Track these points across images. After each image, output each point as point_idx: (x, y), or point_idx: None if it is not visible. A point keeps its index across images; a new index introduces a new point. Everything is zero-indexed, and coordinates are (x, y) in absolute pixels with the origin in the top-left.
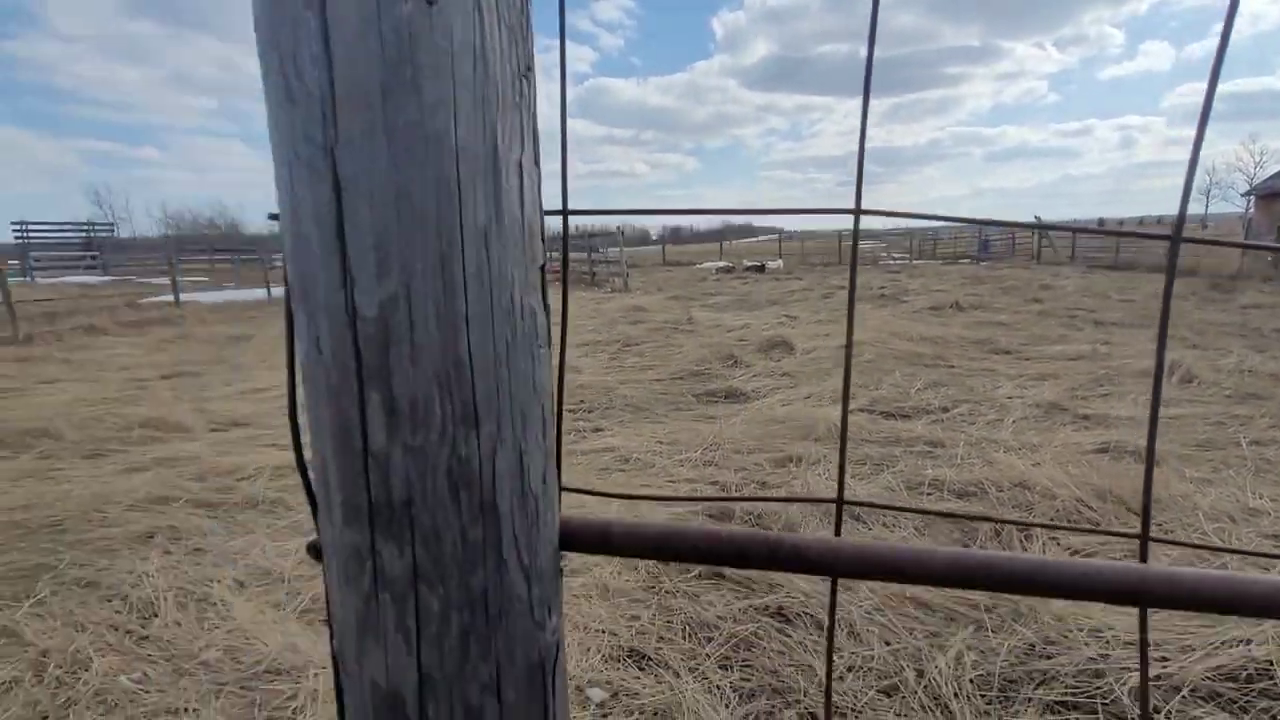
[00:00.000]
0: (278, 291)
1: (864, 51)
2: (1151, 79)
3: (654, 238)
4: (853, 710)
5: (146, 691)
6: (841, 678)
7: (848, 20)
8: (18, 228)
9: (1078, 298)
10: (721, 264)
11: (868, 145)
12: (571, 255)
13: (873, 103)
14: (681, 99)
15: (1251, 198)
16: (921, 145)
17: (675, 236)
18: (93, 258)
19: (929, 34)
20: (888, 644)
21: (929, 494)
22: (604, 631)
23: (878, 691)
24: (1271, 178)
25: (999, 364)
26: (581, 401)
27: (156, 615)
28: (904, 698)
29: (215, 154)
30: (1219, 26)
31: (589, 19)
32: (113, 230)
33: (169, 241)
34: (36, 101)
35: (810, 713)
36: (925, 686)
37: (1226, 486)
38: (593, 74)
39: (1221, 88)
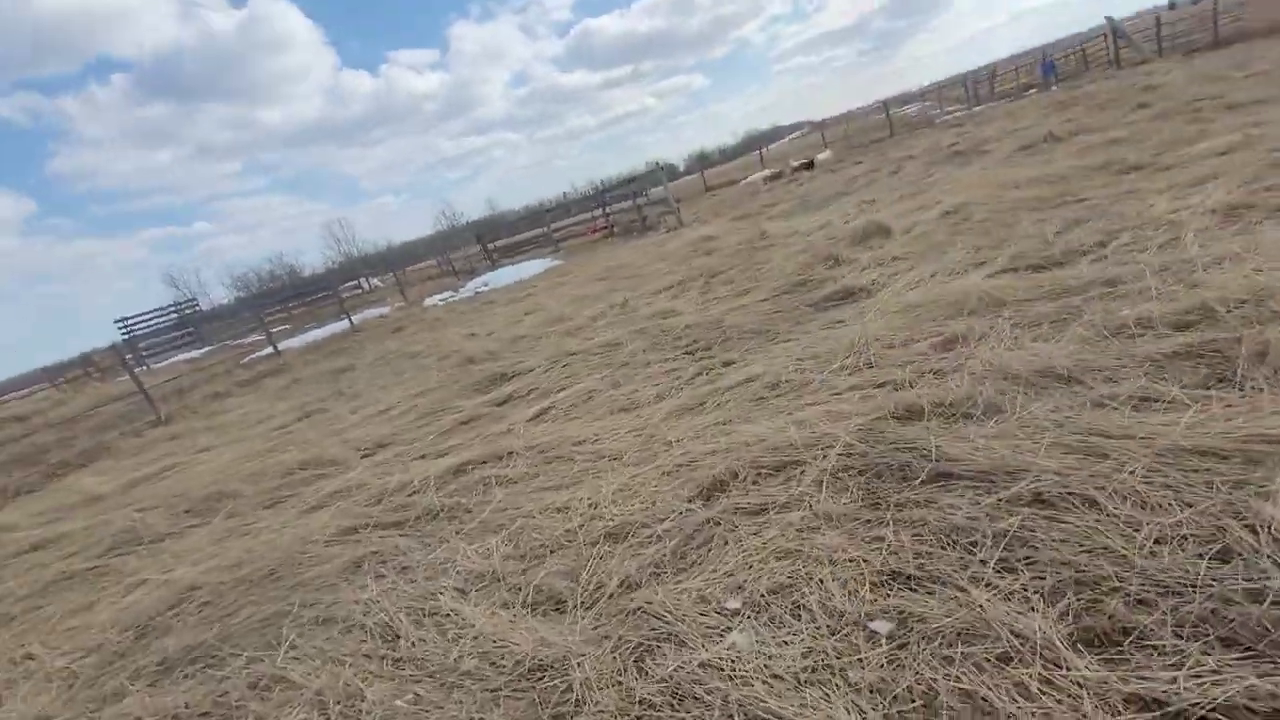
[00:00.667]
0: (357, 318)
1: None
2: None
3: (682, 169)
4: (1193, 586)
5: (426, 710)
6: (1153, 553)
7: None
8: (121, 324)
9: (1193, 88)
10: (767, 172)
11: (879, 2)
12: (616, 206)
13: None
14: (670, 15)
15: None
16: None
17: (704, 162)
18: (189, 333)
19: None
20: (1189, 505)
21: (1141, 335)
22: (853, 560)
23: (1212, 559)
24: None
25: (1138, 182)
26: (696, 341)
27: (399, 636)
28: (1246, 558)
29: (254, 212)
30: None
31: None
32: (196, 305)
33: (245, 302)
34: (95, 207)
35: (1138, 597)
36: (1273, 539)
37: None
38: (575, 18)
39: None
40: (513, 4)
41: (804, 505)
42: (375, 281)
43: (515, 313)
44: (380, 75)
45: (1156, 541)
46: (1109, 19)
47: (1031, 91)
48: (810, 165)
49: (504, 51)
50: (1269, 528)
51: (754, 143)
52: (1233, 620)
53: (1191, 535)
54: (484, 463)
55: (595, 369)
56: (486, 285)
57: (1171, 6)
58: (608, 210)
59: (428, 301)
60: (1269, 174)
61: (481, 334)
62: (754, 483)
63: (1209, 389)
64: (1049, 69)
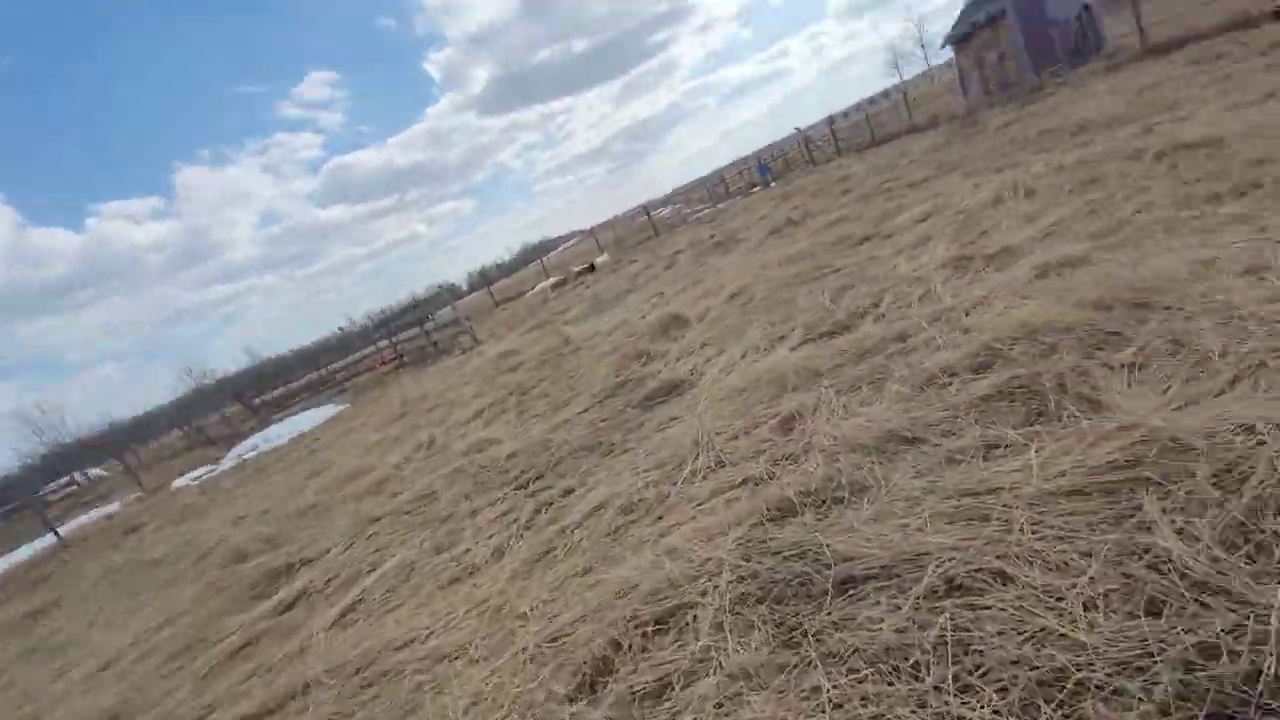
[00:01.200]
0: (69, 527)
1: (576, 46)
2: None
3: (466, 288)
4: (1150, 655)
5: None
6: (1091, 624)
7: (549, 24)
8: None
9: (876, 175)
10: (553, 280)
11: (620, 126)
12: (404, 334)
13: (605, 87)
14: (429, 148)
15: (950, 45)
16: (663, 110)
17: (486, 279)
18: None
19: (623, 13)
20: (1089, 554)
21: (949, 383)
22: None
23: (1145, 615)
24: (955, 26)
25: (873, 249)
26: (525, 471)
27: None
28: (1172, 605)
29: None
30: None
31: (294, 105)
32: None
33: None
34: None
35: (1109, 687)
36: (1179, 575)
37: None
38: (325, 155)
39: None
40: (250, 147)
41: (713, 666)
42: (98, 472)
43: (297, 477)
44: (86, 230)
45: (1086, 608)
46: (798, 129)
47: (756, 189)
48: (592, 269)
49: (248, 193)
50: (1171, 563)
51: (531, 255)
52: (1209, 690)
53: (1111, 591)
54: (269, 715)
55: (410, 532)
56: (255, 449)
57: (831, 119)
58: (395, 340)
59: (176, 484)
60: (966, 232)
61: (253, 514)
62: (643, 650)
63: (1035, 426)
64: (764, 170)
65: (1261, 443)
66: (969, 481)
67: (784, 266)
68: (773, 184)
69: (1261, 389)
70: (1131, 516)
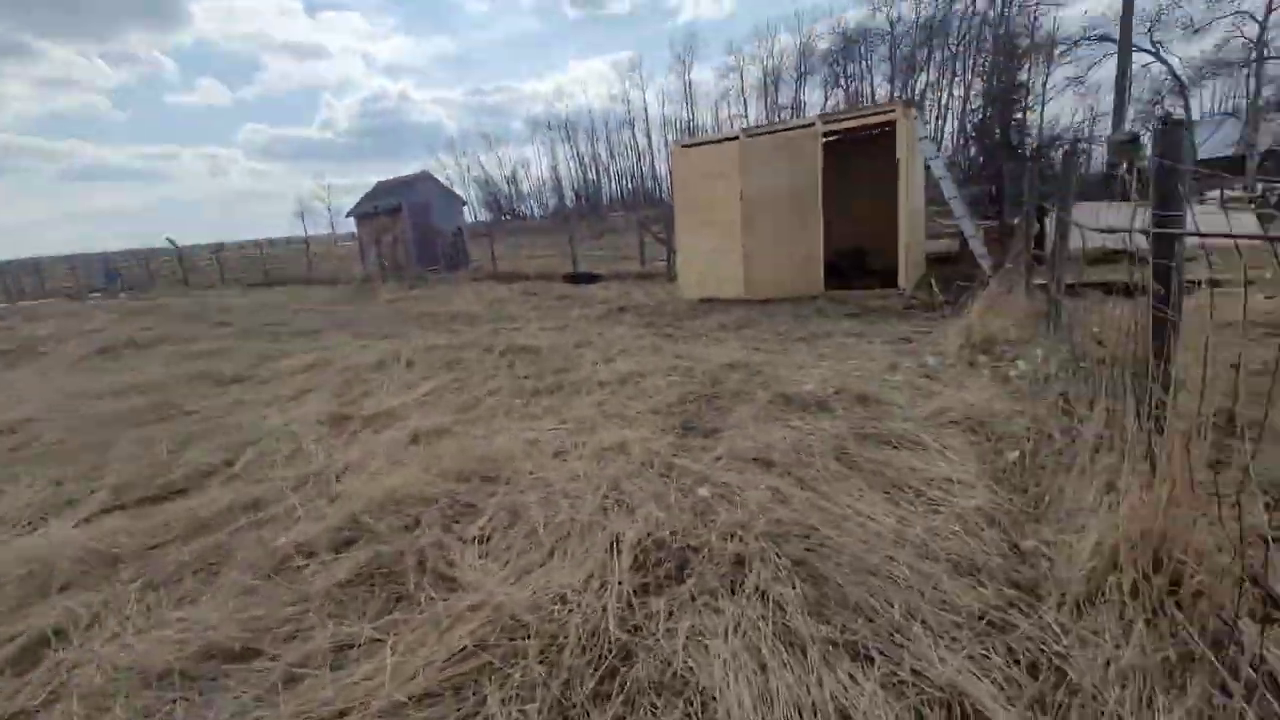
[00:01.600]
0: None
1: None
2: (219, 112)
3: None
4: None
5: None
6: None
7: None
8: None
9: (264, 314)
10: None
11: None
12: None
13: None
14: None
15: (354, 218)
16: None
17: None
18: None
19: None
20: None
21: (307, 565)
22: None
23: None
24: (359, 204)
25: (244, 393)
26: None
27: None
28: None
29: None
30: None
31: None
32: None
33: None
34: None
35: None
36: None
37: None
38: None
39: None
40: None
41: None
42: None
43: None
44: None
45: None
46: (170, 240)
47: (97, 294)
48: None
49: None
50: None
51: None
52: None
53: None
54: None
55: None
56: None
57: (220, 246)
58: None
59: None
60: (348, 389)
61: None
62: None
63: (394, 614)
64: (113, 276)
65: (571, 610)
66: (309, 705)
67: (108, 400)
68: (123, 294)
69: (568, 559)
70: (478, 714)
